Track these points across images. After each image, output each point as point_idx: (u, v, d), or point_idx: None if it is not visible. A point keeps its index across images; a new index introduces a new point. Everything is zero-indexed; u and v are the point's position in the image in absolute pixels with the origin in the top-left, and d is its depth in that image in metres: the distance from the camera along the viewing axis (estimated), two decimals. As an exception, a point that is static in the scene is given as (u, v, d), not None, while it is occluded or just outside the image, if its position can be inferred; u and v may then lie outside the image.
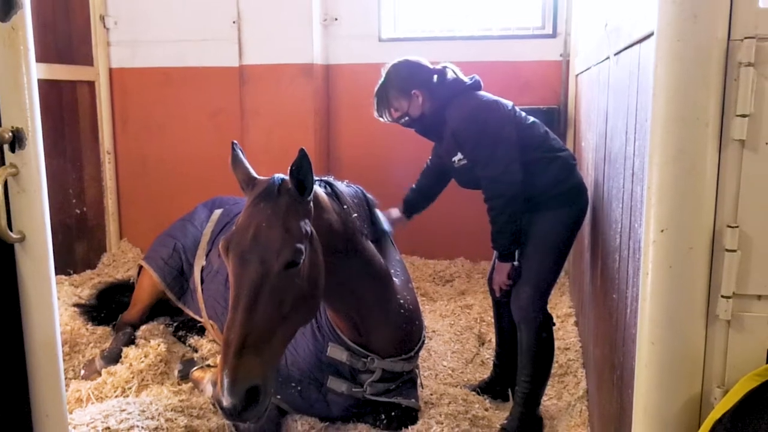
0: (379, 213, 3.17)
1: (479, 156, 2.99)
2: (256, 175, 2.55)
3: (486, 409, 3.29)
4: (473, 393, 3.43)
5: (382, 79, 3.19)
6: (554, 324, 3.15)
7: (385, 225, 3.18)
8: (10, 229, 1.82)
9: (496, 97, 3.16)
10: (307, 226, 2.41)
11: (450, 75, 3.18)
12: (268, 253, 2.29)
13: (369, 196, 3.06)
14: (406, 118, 3.16)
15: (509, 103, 3.16)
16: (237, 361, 2.14)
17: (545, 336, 3.06)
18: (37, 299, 1.89)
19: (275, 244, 2.29)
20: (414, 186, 3.59)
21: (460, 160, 3.10)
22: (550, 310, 3.13)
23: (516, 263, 3.03)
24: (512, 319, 3.14)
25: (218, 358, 2.57)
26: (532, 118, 3.20)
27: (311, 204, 2.49)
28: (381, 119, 3.25)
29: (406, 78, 3.14)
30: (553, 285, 3.13)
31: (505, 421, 3.09)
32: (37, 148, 1.83)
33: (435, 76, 3.16)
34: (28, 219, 1.84)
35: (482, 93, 3.18)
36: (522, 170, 2.95)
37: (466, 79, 3.19)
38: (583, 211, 3.13)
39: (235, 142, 2.59)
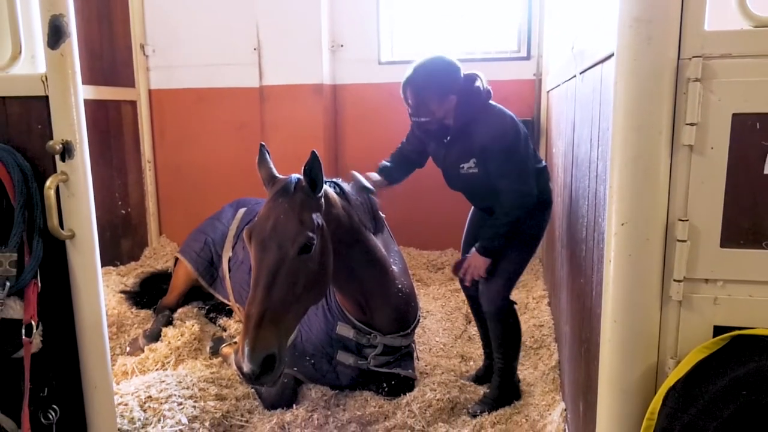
0: (359, 175, 2.90)
1: (508, 172, 2.72)
2: (277, 173, 2.56)
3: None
4: (471, 383, 3.21)
5: (417, 73, 2.74)
6: (515, 303, 3.02)
7: (367, 184, 2.89)
8: (62, 228, 1.81)
9: (509, 111, 2.88)
10: (318, 219, 2.42)
11: (478, 83, 2.82)
12: (284, 240, 2.29)
13: (371, 195, 3.04)
14: (431, 118, 2.79)
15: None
16: (256, 332, 2.14)
17: (512, 321, 2.96)
18: (85, 287, 1.88)
19: (291, 232, 2.30)
20: (391, 161, 3.17)
21: (470, 168, 2.82)
22: (526, 293, 3.11)
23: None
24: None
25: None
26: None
27: (322, 200, 2.49)
28: (412, 115, 2.83)
29: (446, 80, 2.75)
30: (517, 280, 3.00)
31: (488, 390, 3.06)
32: (84, 158, 1.83)
33: (467, 80, 2.79)
34: (77, 219, 1.84)
35: (497, 105, 2.88)
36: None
37: (484, 87, 2.84)
38: (548, 217, 3.03)
39: (263, 143, 2.58)
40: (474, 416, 2.90)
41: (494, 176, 2.77)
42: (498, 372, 3.03)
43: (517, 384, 3.12)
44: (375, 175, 3.08)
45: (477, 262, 2.86)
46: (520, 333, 3.06)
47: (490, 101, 2.86)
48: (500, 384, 3.02)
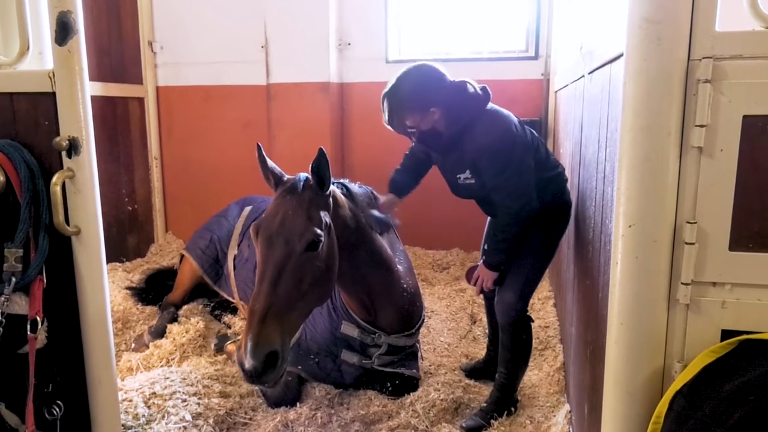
0: (376, 212, 2.86)
1: (501, 186, 2.58)
2: (283, 173, 2.55)
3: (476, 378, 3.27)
4: (475, 384, 3.20)
5: (397, 85, 2.60)
6: (532, 321, 2.92)
7: (382, 216, 2.86)
8: (68, 224, 1.81)
9: (506, 112, 2.71)
10: (326, 217, 2.41)
11: (469, 89, 2.67)
12: (292, 236, 2.28)
13: (378, 195, 3.03)
14: (413, 130, 2.67)
15: (515, 119, 2.71)
16: (260, 327, 2.12)
17: (525, 338, 2.86)
18: (90, 283, 1.88)
19: (299, 228, 2.29)
20: (402, 167, 3.11)
21: (467, 178, 2.70)
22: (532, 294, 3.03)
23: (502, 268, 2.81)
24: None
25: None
26: (535, 134, 2.79)
27: (330, 199, 2.49)
28: (389, 128, 2.71)
29: (426, 92, 2.59)
30: (534, 289, 2.88)
31: (485, 404, 2.95)
32: (91, 155, 1.82)
33: (453, 90, 2.64)
34: (82, 215, 1.83)
35: (494, 107, 2.71)
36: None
37: (479, 91, 2.69)
38: (566, 225, 2.88)
39: (260, 144, 2.54)
40: (468, 431, 2.80)
41: (488, 188, 2.65)
42: (498, 387, 2.93)
43: (516, 401, 2.98)
44: (385, 197, 3.06)
45: (484, 275, 2.82)
46: (530, 350, 2.94)
47: (488, 105, 2.70)
48: (498, 399, 2.92)
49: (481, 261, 2.84)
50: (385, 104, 2.65)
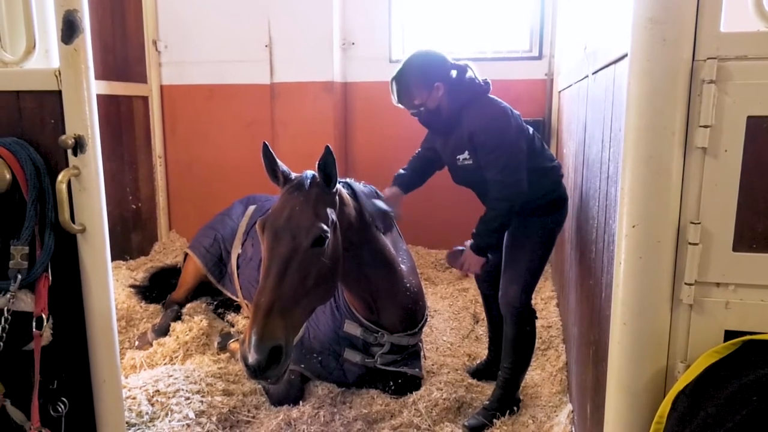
0: (379, 201, 2.92)
1: (494, 162, 2.67)
2: (290, 171, 2.56)
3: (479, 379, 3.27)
4: (477, 383, 3.22)
5: (403, 66, 2.79)
6: (536, 317, 2.94)
7: (387, 208, 2.89)
8: (73, 222, 1.82)
9: (506, 104, 2.83)
10: (332, 215, 2.41)
11: (469, 74, 2.82)
12: (299, 231, 2.28)
13: (381, 194, 3.03)
14: (422, 108, 2.79)
15: (517, 112, 2.84)
16: (265, 321, 2.11)
17: (529, 329, 2.87)
18: (95, 281, 1.89)
19: (306, 223, 2.30)
20: (407, 167, 3.20)
21: (465, 159, 2.78)
22: (535, 294, 3.04)
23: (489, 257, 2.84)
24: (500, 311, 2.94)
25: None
26: (531, 129, 2.90)
27: (337, 197, 2.49)
28: (399, 106, 2.86)
29: (429, 68, 2.76)
30: (537, 282, 2.92)
31: (487, 402, 2.95)
32: (96, 153, 1.83)
33: (455, 72, 2.80)
34: (88, 213, 1.84)
35: (494, 97, 2.85)
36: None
37: (480, 80, 2.84)
38: (564, 216, 2.94)
39: (266, 142, 2.55)
40: (471, 430, 2.81)
41: (482, 167, 2.72)
42: (501, 384, 2.92)
43: (519, 400, 2.99)
44: (389, 189, 3.12)
45: (471, 260, 2.81)
46: (534, 343, 2.95)
47: (488, 94, 2.83)
48: (501, 396, 2.92)
49: (468, 244, 2.83)
50: (394, 85, 2.82)
